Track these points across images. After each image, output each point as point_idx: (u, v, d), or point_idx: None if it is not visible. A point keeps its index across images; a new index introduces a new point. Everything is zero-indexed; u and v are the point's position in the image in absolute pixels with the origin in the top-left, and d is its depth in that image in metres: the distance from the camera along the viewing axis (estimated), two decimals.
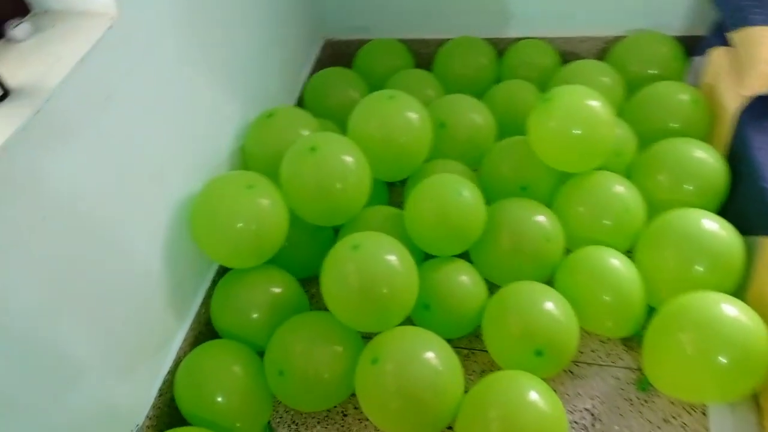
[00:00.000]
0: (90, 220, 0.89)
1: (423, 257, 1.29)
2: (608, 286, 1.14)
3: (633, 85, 1.52)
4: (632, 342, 1.21)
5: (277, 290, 1.20)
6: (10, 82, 0.80)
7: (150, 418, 1.05)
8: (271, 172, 1.26)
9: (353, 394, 1.08)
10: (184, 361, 1.11)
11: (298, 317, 1.14)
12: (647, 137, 1.39)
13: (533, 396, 0.97)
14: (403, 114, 1.27)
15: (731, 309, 0.99)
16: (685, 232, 1.13)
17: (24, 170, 0.76)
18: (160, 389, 1.08)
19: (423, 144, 1.30)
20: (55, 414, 0.83)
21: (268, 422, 1.15)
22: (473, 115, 1.42)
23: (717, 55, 1.41)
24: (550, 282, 1.27)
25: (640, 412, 1.11)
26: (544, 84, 1.59)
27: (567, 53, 1.69)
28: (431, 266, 1.20)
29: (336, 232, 1.35)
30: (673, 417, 1.10)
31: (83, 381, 0.89)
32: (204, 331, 1.23)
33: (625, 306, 1.13)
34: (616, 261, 1.16)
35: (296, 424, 1.17)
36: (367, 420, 1.12)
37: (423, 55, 1.76)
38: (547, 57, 1.63)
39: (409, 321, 1.17)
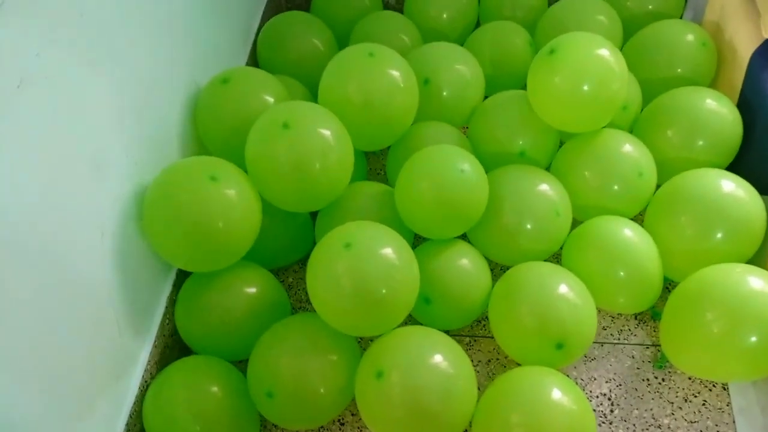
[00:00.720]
0: (11, 237, 0.69)
1: (413, 239, 1.14)
2: (623, 261, 1.03)
3: (628, 24, 1.37)
4: (644, 315, 1.13)
5: (252, 290, 1.04)
6: None
7: None
8: (233, 150, 1.06)
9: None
10: (152, 387, 0.95)
11: (282, 324, 0.98)
12: (650, 86, 1.26)
13: (559, 397, 0.87)
14: (386, 74, 1.08)
15: (760, 283, 0.91)
16: (703, 197, 1.03)
17: None
18: (127, 425, 0.91)
19: (409, 108, 1.12)
20: None
21: None
22: (460, 68, 1.24)
23: None
24: (557, 257, 1.16)
25: (659, 393, 1.04)
26: (531, 25, 1.42)
27: None
28: (429, 252, 1.05)
29: (313, 215, 1.18)
30: (694, 395, 1.03)
31: None
32: (171, 345, 1.06)
33: (641, 281, 1.03)
34: (631, 232, 1.05)
35: None
36: (366, 428, 1.01)
37: None
38: None
39: (408, 315, 1.04)
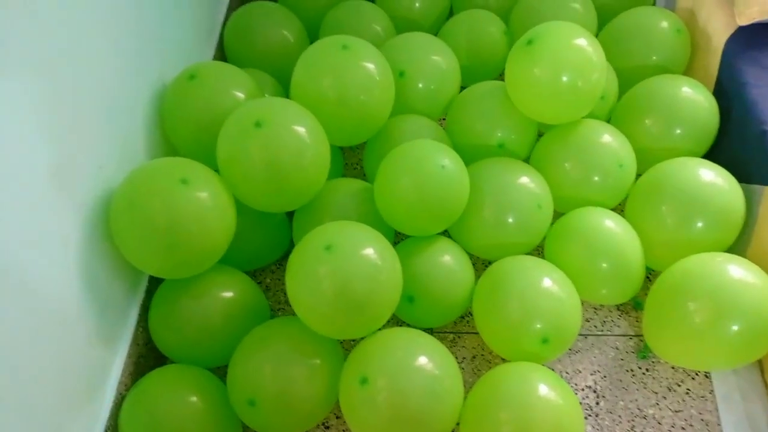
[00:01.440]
0: None
1: (394, 236, 1.12)
2: (605, 253, 1.03)
3: (602, 12, 1.36)
4: (627, 306, 1.13)
5: (229, 294, 1.00)
6: None
7: None
8: (203, 150, 1.02)
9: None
10: (127, 399, 0.91)
11: (261, 329, 0.95)
12: (625, 74, 1.25)
13: (546, 392, 0.86)
14: (361, 67, 1.04)
15: (741, 273, 0.92)
16: (683, 186, 1.03)
17: None
18: None
19: (386, 102, 1.09)
20: None
21: None
22: (436, 59, 1.21)
23: None
24: (539, 249, 1.15)
25: (644, 383, 1.04)
26: (505, 14, 1.39)
27: None
28: (411, 250, 1.03)
29: (289, 214, 1.14)
30: (677, 384, 1.04)
31: None
32: (146, 354, 1.01)
33: (623, 272, 1.03)
34: (612, 223, 1.05)
35: None
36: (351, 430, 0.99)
37: None
38: None
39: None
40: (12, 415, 0.70)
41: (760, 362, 1.03)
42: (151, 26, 1.07)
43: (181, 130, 1.04)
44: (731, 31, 1.14)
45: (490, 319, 0.98)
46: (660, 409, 1.01)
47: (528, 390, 0.87)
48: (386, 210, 1.01)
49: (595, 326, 1.11)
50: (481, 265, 1.17)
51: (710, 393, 1.03)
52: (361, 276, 0.86)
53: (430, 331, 1.11)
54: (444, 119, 1.27)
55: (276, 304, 1.16)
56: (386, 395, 0.84)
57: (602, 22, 1.34)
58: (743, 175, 1.06)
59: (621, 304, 1.13)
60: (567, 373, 1.06)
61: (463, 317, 1.13)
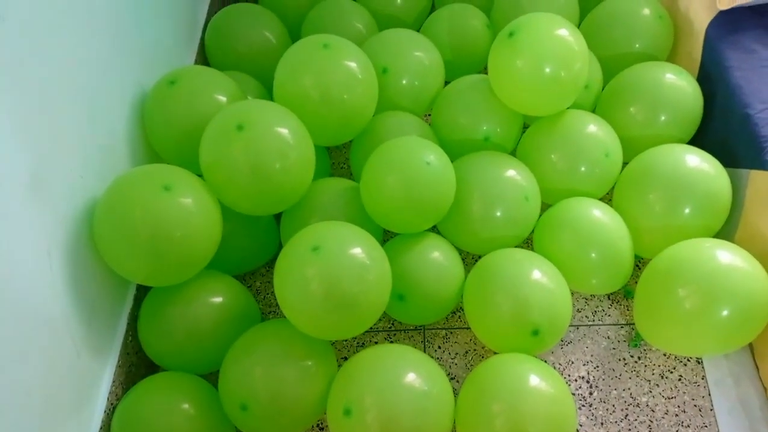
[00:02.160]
0: None
1: (382, 234, 1.11)
2: (594, 242, 1.03)
3: (584, 1, 1.35)
4: (617, 295, 1.13)
5: (218, 300, 1.00)
6: None
7: None
8: (186, 155, 1.01)
9: None
10: (118, 408, 0.90)
11: (252, 333, 0.94)
12: (609, 62, 1.25)
13: (538, 383, 0.86)
14: (343, 65, 1.03)
15: (729, 257, 0.92)
16: (669, 173, 1.03)
17: None
18: None
19: (370, 100, 1.08)
20: None
21: None
22: (419, 54, 1.20)
23: None
24: (528, 242, 1.15)
25: (636, 372, 1.04)
26: (487, 7, 1.39)
27: None
28: (399, 248, 1.03)
29: (277, 216, 1.14)
30: (669, 371, 1.04)
31: None
32: (136, 362, 1.01)
33: (613, 261, 1.03)
34: (600, 213, 1.05)
35: None
36: None
37: None
38: None
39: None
40: (1, 428, 0.69)
41: (751, 346, 1.03)
42: (131, 32, 1.06)
43: (163, 136, 1.03)
44: (712, 15, 1.14)
45: (481, 314, 0.98)
46: (653, 396, 1.01)
47: (519, 380, 0.88)
48: (373, 208, 1.01)
49: (586, 317, 1.11)
50: (470, 260, 1.17)
51: (702, 379, 1.03)
52: (350, 276, 0.86)
53: (422, 327, 1.11)
54: (429, 115, 1.26)
55: (267, 308, 1.16)
56: (375, 424, 0.82)
57: (584, 12, 1.33)
58: (729, 159, 1.06)
59: (611, 294, 1.13)
60: (560, 364, 1.06)
61: (454, 313, 1.12)
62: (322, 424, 1.02)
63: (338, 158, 1.33)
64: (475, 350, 1.08)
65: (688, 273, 0.93)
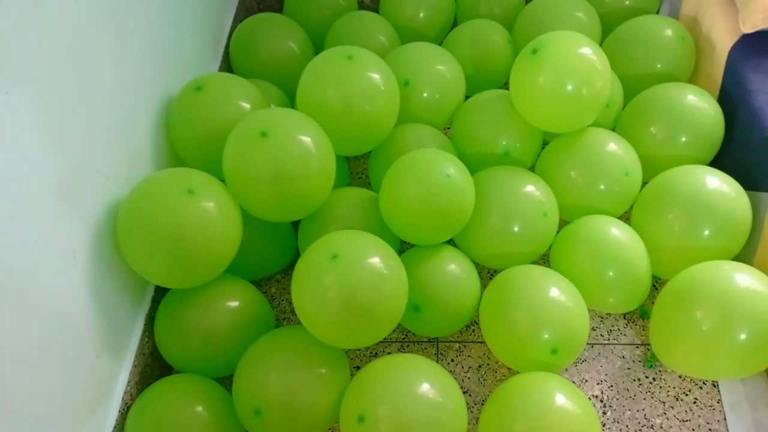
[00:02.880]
0: None
1: (399, 245, 1.12)
2: (612, 261, 1.02)
3: (606, 20, 1.36)
4: (633, 314, 1.12)
5: (234, 304, 1.00)
6: None
7: None
8: (209, 160, 1.02)
9: None
10: (132, 409, 0.91)
11: (267, 338, 0.95)
12: (630, 82, 1.25)
13: (564, 402, 0.85)
14: (366, 77, 1.04)
15: (748, 281, 0.91)
16: (690, 194, 1.03)
17: None
18: None
19: (391, 111, 1.09)
20: None
21: None
22: (440, 68, 1.21)
23: None
24: (544, 258, 1.15)
25: (651, 392, 1.03)
26: (509, 23, 1.40)
27: None
28: (416, 259, 1.03)
29: (295, 223, 1.15)
30: (685, 394, 1.03)
31: None
32: (151, 364, 1.01)
33: (630, 280, 1.02)
34: (619, 231, 1.04)
35: None
36: None
37: None
38: None
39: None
40: (19, 425, 0.70)
41: (766, 370, 1.02)
42: (159, 39, 1.08)
43: (188, 141, 1.05)
44: (735, 38, 1.14)
45: (498, 329, 0.98)
46: (667, 418, 1.00)
47: (544, 399, 0.86)
48: (392, 219, 1.01)
49: (602, 335, 1.10)
50: (485, 273, 1.17)
51: (718, 402, 1.02)
52: (367, 285, 0.86)
53: (435, 340, 1.11)
54: (448, 128, 1.27)
55: (281, 314, 1.16)
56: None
57: (606, 31, 1.34)
58: (749, 182, 1.05)
59: (627, 313, 1.12)
60: (574, 382, 1.05)
61: (468, 326, 1.12)
62: (334, 429, 1.02)
63: (356, 168, 1.34)
64: (488, 365, 1.08)
65: (707, 295, 0.92)
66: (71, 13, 0.82)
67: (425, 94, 1.21)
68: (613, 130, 1.22)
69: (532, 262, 1.08)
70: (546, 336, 0.92)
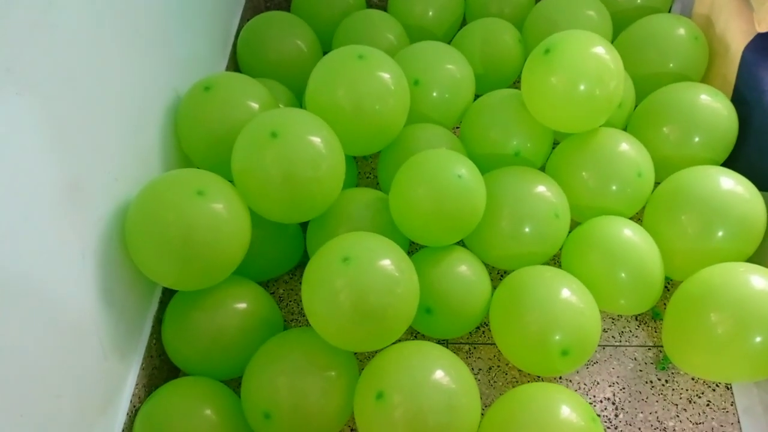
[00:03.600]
0: None
1: (408, 246, 1.11)
2: (625, 262, 1.01)
3: (617, 19, 1.35)
4: (645, 316, 1.11)
5: (243, 306, 1.00)
6: None
7: None
8: (218, 160, 1.02)
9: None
10: (141, 412, 0.90)
11: (276, 341, 0.94)
12: (642, 81, 1.24)
13: (568, 415, 0.84)
14: (377, 77, 1.03)
15: (764, 283, 0.90)
16: (703, 195, 1.02)
17: None
18: None
19: (401, 112, 1.08)
20: None
21: None
22: (450, 67, 1.20)
23: None
24: (554, 259, 1.14)
25: (663, 395, 1.02)
26: (519, 22, 1.39)
27: None
28: (427, 261, 1.02)
29: (303, 224, 1.14)
30: (698, 396, 1.02)
31: None
32: (159, 365, 1.01)
33: (642, 282, 1.01)
34: (631, 232, 1.03)
35: None
36: None
37: None
38: None
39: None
40: (28, 428, 0.69)
41: None
42: (167, 38, 1.07)
43: (196, 141, 1.04)
44: (749, 38, 1.13)
45: (509, 331, 0.97)
46: (680, 421, 0.99)
47: (549, 412, 0.85)
48: (402, 220, 1.00)
49: (613, 337, 1.09)
50: (495, 274, 1.16)
51: (731, 405, 1.01)
52: (379, 289, 0.85)
53: (445, 342, 1.10)
54: (458, 128, 1.26)
55: (289, 315, 1.16)
56: (402, 411, 0.82)
57: (617, 29, 1.33)
58: (763, 183, 1.04)
59: (639, 315, 1.11)
60: (585, 384, 1.04)
61: (478, 328, 1.11)
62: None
63: (364, 168, 1.33)
64: (498, 366, 1.07)
65: (722, 297, 0.91)
66: (81, 13, 0.81)
67: (435, 94, 1.19)
68: (625, 129, 1.20)
69: (543, 264, 1.07)
70: (557, 338, 0.91)
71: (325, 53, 1.32)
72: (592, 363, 1.07)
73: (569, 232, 1.09)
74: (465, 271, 1.01)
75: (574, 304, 0.94)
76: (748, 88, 1.13)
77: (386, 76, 1.04)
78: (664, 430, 0.99)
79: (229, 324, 0.97)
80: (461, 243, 1.10)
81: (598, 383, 1.04)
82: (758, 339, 0.87)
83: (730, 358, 0.90)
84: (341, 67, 1.04)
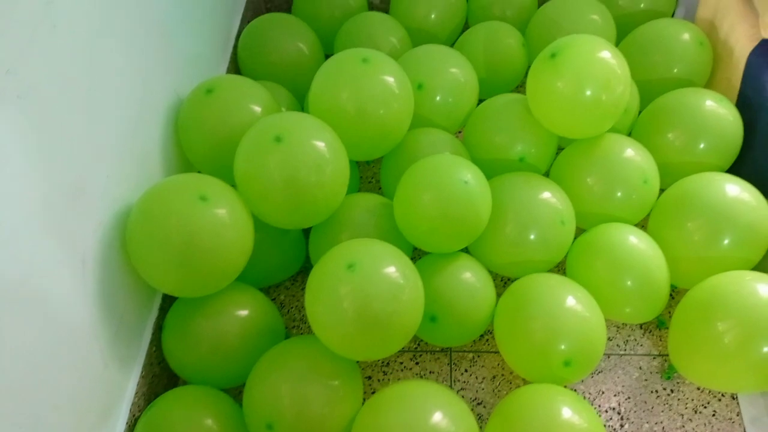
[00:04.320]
0: None
1: (412, 253, 1.09)
2: (630, 270, 1.00)
3: (620, 23, 1.34)
4: (650, 325, 1.10)
5: (244, 313, 0.98)
6: None
7: None
8: (219, 164, 1.00)
9: None
10: (141, 422, 0.88)
11: (279, 350, 0.92)
12: (646, 86, 1.23)
13: (570, 416, 0.83)
14: (381, 81, 1.02)
15: None
16: (709, 202, 1.01)
17: None
18: None
19: (405, 116, 1.07)
20: None
21: None
22: (454, 71, 1.19)
23: None
24: (559, 266, 1.13)
25: (669, 405, 1.01)
26: (522, 25, 1.38)
27: None
28: (432, 268, 1.00)
29: (305, 230, 1.12)
30: (703, 406, 1.01)
31: None
32: (158, 373, 0.99)
33: (648, 290, 1.00)
34: (637, 240, 1.02)
35: None
36: None
37: None
38: None
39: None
40: None
41: None
42: (167, 40, 1.05)
43: (198, 144, 1.02)
44: (755, 43, 1.12)
45: (513, 339, 0.96)
46: (686, 431, 0.98)
47: (551, 413, 0.85)
48: (407, 226, 0.99)
49: (618, 345, 1.08)
50: (499, 281, 1.15)
51: (737, 415, 1.00)
52: (384, 296, 0.84)
53: (449, 350, 1.09)
54: (461, 132, 1.25)
55: (290, 322, 1.14)
56: None
57: (621, 34, 1.32)
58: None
59: (644, 323, 1.10)
60: (590, 393, 1.03)
61: (482, 336, 1.10)
62: None
63: (366, 173, 1.32)
64: (502, 375, 1.06)
65: (729, 306, 0.90)
66: (82, 16, 0.79)
67: (438, 98, 1.18)
68: (629, 135, 1.19)
69: (548, 271, 1.06)
70: (562, 347, 0.90)
71: (326, 55, 1.30)
72: (597, 372, 1.06)
73: (574, 239, 1.08)
74: (470, 278, 1.00)
75: (579, 312, 0.93)
76: (753, 93, 1.12)
77: (390, 79, 1.03)
78: None
79: (229, 331, 0.96)
80: (465, 250, 1.08)
81: (602, 392, 1.03)
82: (766, 349, 0.86)
83: (737, 368, 0.90)
84: (345, 70, 1.02)
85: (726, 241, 0.99)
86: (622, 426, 1.00)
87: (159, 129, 1.01)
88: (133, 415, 0.90)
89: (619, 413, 1.01)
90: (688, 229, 1.02)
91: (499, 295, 1.03)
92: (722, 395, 1.02)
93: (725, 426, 0.99)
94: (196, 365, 0.96)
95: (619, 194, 1.07)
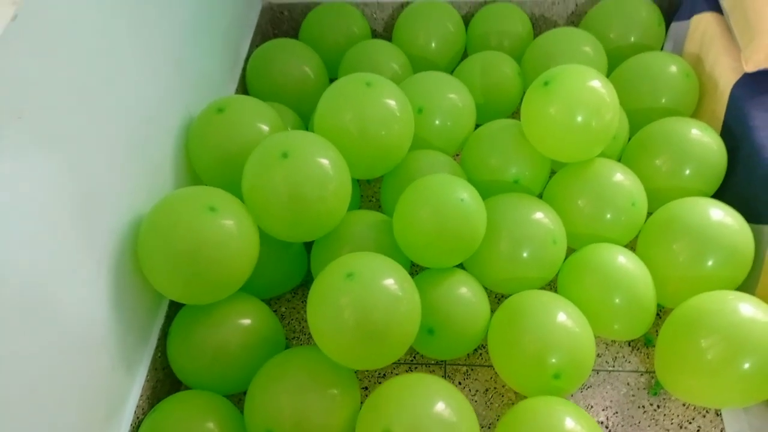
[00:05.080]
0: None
1: (409, 268, 1.14)
2: (619, 288, 1.04)
3: (612, 56, 1.40)
4: (638, 342, 1.14)
5: (247, 322, 1.02)
6: None
7: None
8: (226, 180, 1.05)
9: None
10: (144, 424, 0.91)
11: (279, 359, 0.96)
12: (635, 115, 1.29)
13: (573, 427, 0.86)
14: (383, 104, 1.08)
15: (753, 310, 0.93)
16: (695, 225, 1.05)
17: None
18: None
19: (406, 137, 1.12)
20: None
21: None
22: (453, 97, 1.25)
23: (705, 22, 1.31)
24: (550, 284, 1.17)
25: (655, 420, 1.05)
26: (518, 56, 1.44)
27: (537, 18, 1.54)
28: (429, 282, 1.05)
29: (307, 244, 1.17)
30: (688, 422, 1.04)
31: None
32: (162, 379, 1.02)
33: (636, 308, 1.04)
34: (625, 259, 1.06)
35: None
36: None
37: (378, 20, 1.55)
38: (518, 23, 1.47)
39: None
40: None
41: None
42: (181, 59, 1.11)
43: (207, 160, 1.07)
44: (738, 76, 1.19)
45: (506, 354, 0.99)
46: None
47: (553, 424, 0.87)
48: (405, 241, 1.03)
49: (607, 362, 1.12)
50: (492, 297, 1.19)
51: (721, 431, 1.03)
52: (382, 306, 0.88)
53: (443, 363, 1.12)
54: (458, 155, 1.30)
55: (290, 333, 1.17)
56: None
57: (611, 66, 1.39)
58: (751, 215, 1.08)
59: (632, 341, 1.14)
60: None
61: (476, 350, 1.14)
62: None
63: (367, 192, 1.37)
64: (495, 388, 1.09)
65: (712, 324, 0.94)
66: (96, 32, 0.84)
67: (437, 121, 1.24)
68: (619, 161, 1.25)
69: (540, 288, 1.10)
70: (553, 360, 0.94)
71: (331, 80, 1.36)
72: (586, 387, 1.09)
73: (565, 258, 1.12)
74: (466, 293, 1.04)
75: (570, 327, 0.97)
76: (736, 123, 1.18)
77: (392, 103, 1.08)
78: None
79: (232, 340, 0.99)
80: (460, 266, 1.13)
81: (592, 407, 1.07)
82: (747, 365, 0.89)
83: (721, 384, 0.93)
84: (349, 93, 1.08)
85: (710, 262, 1.04)
86: None
87: (170, 144, 1.06)
88: (137, 418, 0.93)
89: (607, 427, 1.04)
90: (674, 251, 1.06)
91: (493, 311, 1.07)
92: (707, 411, 1.06)
93: None
94: (199, 372, 0.99)
95: (608, 216, 1.11)
